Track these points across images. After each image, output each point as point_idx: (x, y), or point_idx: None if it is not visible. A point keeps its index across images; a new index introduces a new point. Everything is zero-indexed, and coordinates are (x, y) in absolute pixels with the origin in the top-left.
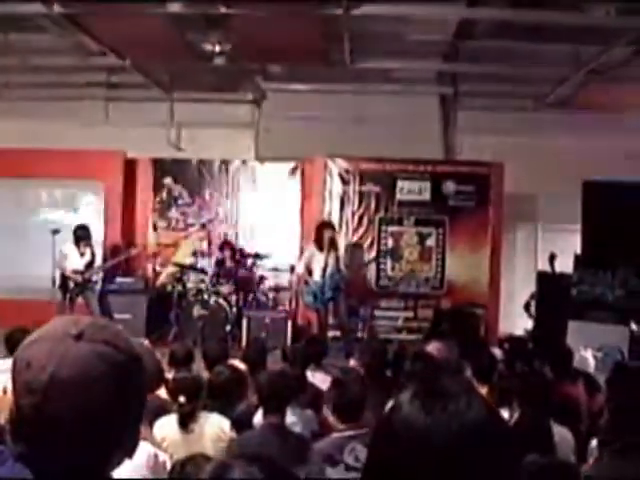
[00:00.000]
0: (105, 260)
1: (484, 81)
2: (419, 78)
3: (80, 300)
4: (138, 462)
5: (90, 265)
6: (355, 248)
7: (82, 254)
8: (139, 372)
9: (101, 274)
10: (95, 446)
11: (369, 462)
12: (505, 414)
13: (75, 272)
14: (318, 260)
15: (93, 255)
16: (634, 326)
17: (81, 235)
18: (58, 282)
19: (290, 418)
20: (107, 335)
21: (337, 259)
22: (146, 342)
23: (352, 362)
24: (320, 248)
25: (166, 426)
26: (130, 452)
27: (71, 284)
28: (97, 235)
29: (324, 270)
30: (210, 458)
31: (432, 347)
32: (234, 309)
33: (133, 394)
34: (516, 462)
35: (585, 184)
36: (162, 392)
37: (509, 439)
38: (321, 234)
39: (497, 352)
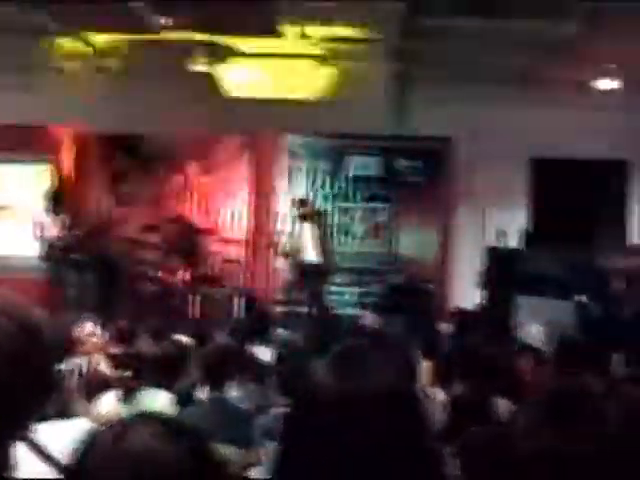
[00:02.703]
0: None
1: (436, 56)
2: (372, 52)
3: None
4: (78, 438)
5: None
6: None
7: (57, 222)
8: (35, 343)
9: None
10: None
11: (286, 429)
12: (452, 388)
13: (58, 239)
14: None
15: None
16: (582, 298)
17: (56, 202)
18: (42, 253)
19: (234, 392)
20: (1, 304)
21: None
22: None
23: (298, 336)
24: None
25: (109, 402)
26: (26, 428)
27: (56, 252)
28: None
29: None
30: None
31: (367, 319)
32: (183, 284)
33: (28, 365)
34: (426, 428)
35: (532, 161)
36: (105, 368)
37: (420, 406)
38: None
39: (446, 327)
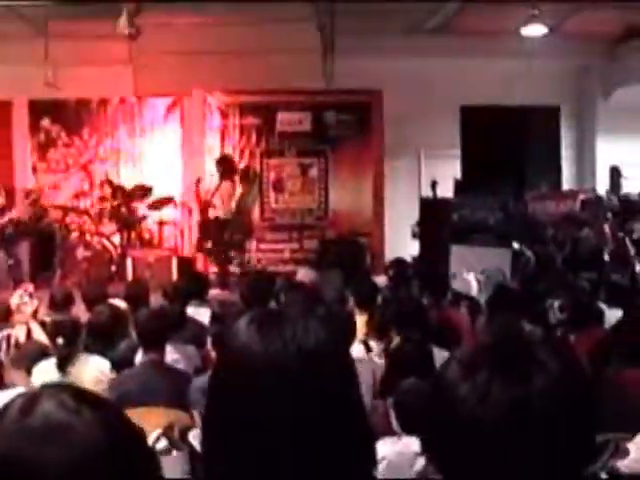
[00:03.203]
0: None
1: (361, 8)
2: (295, 5)
3: None
4: None
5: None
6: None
7: None
8: None
9: None
10: None
11: (210, 392)
12: (388, 340)
13: None
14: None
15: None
16: (516, 245)
17: None
18: None
19: (172, 355)
20: None
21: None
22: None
23: (233, 296)
24: None
25: (45, 371)
26: None
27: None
28: None
29: None
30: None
31: (302, 275)
32: (118, 249)
33: None
34: (354, 388)
35: (463, 109)
36: (43, 337)
37: (348, 365)
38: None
39: (383, 279)
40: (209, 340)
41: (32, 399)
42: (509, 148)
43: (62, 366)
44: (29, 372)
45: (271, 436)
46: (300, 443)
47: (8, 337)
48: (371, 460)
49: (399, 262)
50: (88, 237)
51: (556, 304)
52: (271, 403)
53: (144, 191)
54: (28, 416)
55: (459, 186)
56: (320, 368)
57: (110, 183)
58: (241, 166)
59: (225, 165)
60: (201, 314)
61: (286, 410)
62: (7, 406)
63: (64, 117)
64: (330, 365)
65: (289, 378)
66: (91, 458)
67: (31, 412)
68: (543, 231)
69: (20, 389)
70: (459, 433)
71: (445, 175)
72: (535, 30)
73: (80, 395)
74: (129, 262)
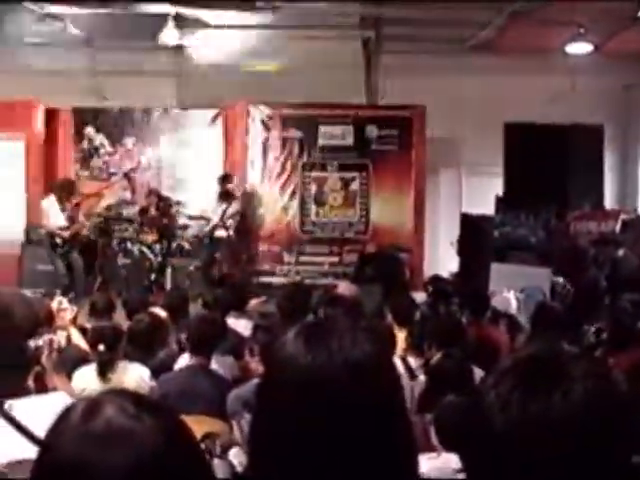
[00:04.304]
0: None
1: (406, 24)
2: (341, 21)
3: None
4: (56, 412)
5: (72, 219)
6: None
7: (63, 209)
8: (4, 321)
9: None
10: None
11: (258, 405)
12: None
13: (61, 229)
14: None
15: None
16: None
17: (67, 189)
18: (47, 241)
19: (212, 365)
20: None
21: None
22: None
23: (273, 307)
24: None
25: (85, 376)
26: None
27: (58, 241)
28: (19, 187)
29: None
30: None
31: (342, 288)
32: (158, 258)
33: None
34: (399, 401)
35: (507, 126)
36: (82, 343)
37: (394, 378)
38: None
39: (422, 295)
40: (247, 351)
41: (94, 404)
42: (552, 166)
43: (103, 372)
44: (70, 377)
45: (317, 447)
46: (346, 454)
47: (50, 342)
48: (414, 472)
49: (438, 279)
50: (129, 245)
51: (592, 329)
52: (318, 415)
53: (183, 201)
54: (90, 421)
55: (501, 203)
56: (367, 380)
57: (153, 192)
58: (250, 185)
59: (225, 184)
60: (240, 325)
61: (332, 422)
62: (68, 411)
63: (108, 126)
64: (376, 377)
65: (336, 390)
66: (150, 463)
67: (93, 417)
68: (583, 253)
69: (61, 393)
70: (488, 444)
71: (486, 192)
72: (580, 48)
73: (140, 401)
74: (168, 271)
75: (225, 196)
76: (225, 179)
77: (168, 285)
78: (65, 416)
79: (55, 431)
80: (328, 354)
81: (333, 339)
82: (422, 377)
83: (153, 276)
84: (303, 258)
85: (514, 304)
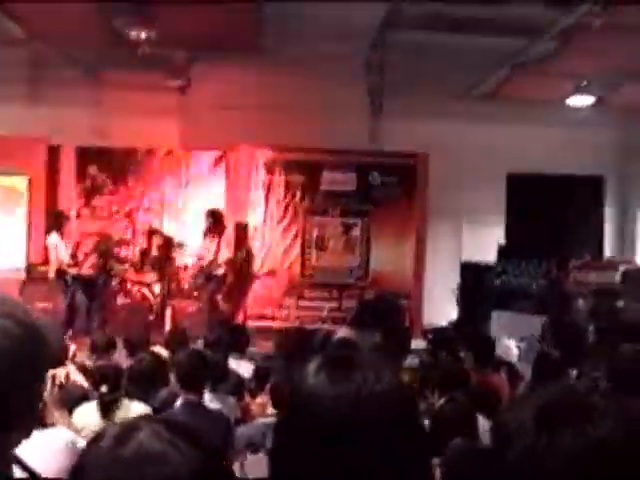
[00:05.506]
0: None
1: (411, 71)
2: (347, 66)
3: None
4: (56, 447)
5: (75, 256)
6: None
7: (67, 244)
8: (38, 346)
9: None
10: None
11: (277, 440)
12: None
13: (69, 265)
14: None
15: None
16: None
17: (61, 223)
18: (52, 275)
19: (213, 404)
20: (5, 308)
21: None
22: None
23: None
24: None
25: (86, 414)
26: (28, 430)
27: (67, 278)
28: (20, 224)
29: None
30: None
31: (342, 333)
32: (158, 298)
33: (32, 368)
34: (421, 435)
35: (509, 176)
36: (82, 380)
37: (415, 412)
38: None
39: (421, 343)
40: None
41: (127, 429)
42: (553, 216)
43: (106, 412)
44: (70, 413)
45: (335, 477)
46: None
47: (53, 377)
48: None
49: (439, 328)
50: (129, 285)
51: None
52: (341, 446)
53: (184, 242)
54: (123, 445)
55: (502, 251)
56: (391, 413)
57: (154, 232)
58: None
59: (214, 220)
60: (241, 367)
61: (355, 453)
62: (101, 435)
63: (111, 165)
64: (399, 411)
65: (359, 422)
66: None
67: (126, 442)
68: (577, 302)
69: (62, 429)
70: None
71: (486, 241)
72: (582, 100)
73: (174, 426)
74: (168, 312)
75: (214, 230)
76: (213, 214)
77: (167, 326)
78: (97, 440)
79: (87, 455)
80: (353, 387)
81: (357, 372)
82: (426, 422)
83: (152, 316)
84: (303, 302)
85: (515, 352)
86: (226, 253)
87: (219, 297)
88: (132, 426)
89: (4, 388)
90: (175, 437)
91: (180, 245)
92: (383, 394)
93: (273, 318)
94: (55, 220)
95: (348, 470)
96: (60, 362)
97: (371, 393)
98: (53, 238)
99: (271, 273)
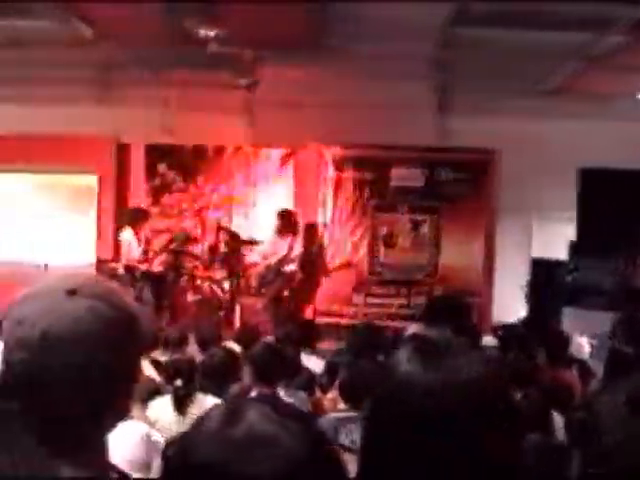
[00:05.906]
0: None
1: (479, 68)
2: (414, 64)
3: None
4: (132, 441)
5: (146, 253)
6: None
7: (139, 241)
8: (132, 330)
9: None
10: (87, 405)
11: (368, 431)
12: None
13: (139, 262)
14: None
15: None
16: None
17: (140, 219)
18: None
19: (285, 398)
20: (101, 291)
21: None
22: None
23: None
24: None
25: (160, 408)
26: (121, 414)
27: (137, 274)
28: (90, 222)
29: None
30: None
31: (413, 329)
32: (227, 294)
33: (126, 352)
34: (512, 425)
35: (581, 171)
36: (154, 374)
37: (510, 400)
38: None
39: (490, 340)
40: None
41: (235, 410)
42: (626, 212)
43: (180, 406)
44: (144, 405)
45: (429, 466)
46: (454, 476)
47: None
48: None
49: (509, 325)
50: (198, 282)
51: None
52: (432, 434)
53: (254, 240)
54: (232, 426)
55: (574, 248)
56: (483, 402)
57: (222, 229)
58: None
59: (286, 220)
60: (311, 362)
61: (446, 442)
62: (208, 416)
63: (180, 163)
64: (494, 398)
65: (455, 409)
66: (294, 470)
67: (235, 422)
68: None
69: (138, 422)
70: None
71: (558, 237)
72: None
73: (283, 408)
74: (237, 308)
75: (286, 230)
76: (286, 215)
77: (237, 322)
78: (203, 422)
79: (193, 436)
80: (449, 373)
81: (448, 359)
82: None
83: (222, 313)
84: (371, 300)
85: (587, 350)
86: (298, 248)
87: (286, 293)
88: (239, 408)
89: (98, 372)
90: (285, 419)
91: (250, 242)
92: (477, 381)
93: (341, 315)
94: (133, 216)
95: (440, 460)
96: (153, 347)
97: (466, 379)
98: (127, 234)
99: (345, 266)
